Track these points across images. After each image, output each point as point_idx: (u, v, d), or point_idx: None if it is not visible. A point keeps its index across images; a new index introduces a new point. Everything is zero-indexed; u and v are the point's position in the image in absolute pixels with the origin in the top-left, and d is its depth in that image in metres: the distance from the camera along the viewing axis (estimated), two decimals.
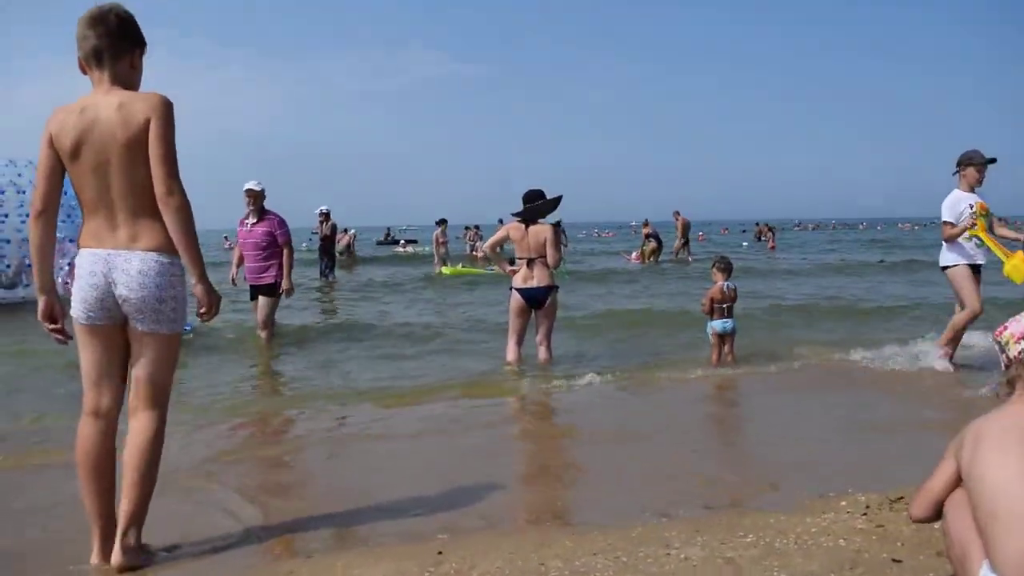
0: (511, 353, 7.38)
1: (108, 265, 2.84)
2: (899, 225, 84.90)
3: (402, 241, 41.01)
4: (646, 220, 25.89)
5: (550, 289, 7.21)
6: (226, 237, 44.24)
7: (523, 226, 7.24)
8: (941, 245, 6.93)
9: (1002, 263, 6.59)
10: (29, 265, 14.24)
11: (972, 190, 6.82)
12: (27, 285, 14.41)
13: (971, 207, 6.66)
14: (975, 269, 6.75)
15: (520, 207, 7.28)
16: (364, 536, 3.47)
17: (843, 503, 3.54)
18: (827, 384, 6.78)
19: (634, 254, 25.37)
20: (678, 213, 25.48)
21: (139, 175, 2.83)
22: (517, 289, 7.22)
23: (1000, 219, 8.62)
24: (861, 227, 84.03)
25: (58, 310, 2.95)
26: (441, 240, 21.38)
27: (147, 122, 2.79)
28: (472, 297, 15.07)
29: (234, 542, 3.46)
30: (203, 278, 2.97)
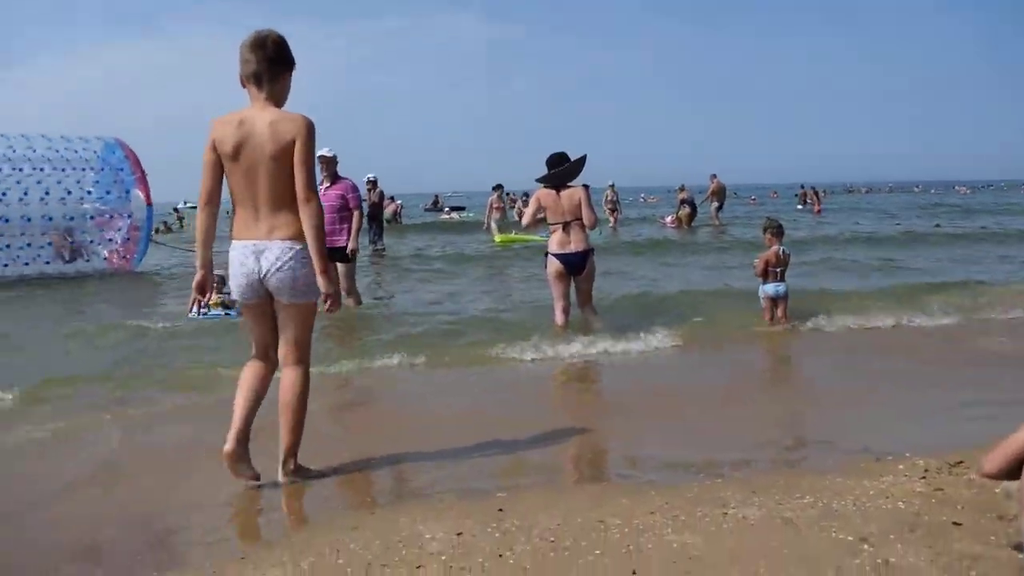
0: (559, 317, 7.34)
1: (254, 254, 3.43)
2: (955, 188, 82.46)
3: (446, 208, 40.81)
4: (682, 185, 25.57)
5: (588, 252, 7.15)
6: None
7: (553, 191, 7.15)
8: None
9: None
10: (74, 242, 14.60)
11: None
12: (87, 260, 14.86)
13: None
14: None
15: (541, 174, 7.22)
16: (424, 491, 3.58)
17: (900, 466, 3.53)
18: (880, 347, 6.72)
19: (669, 218, 25.16)
20: (714, 176, 25.08)
21: (280, 181, 3.39)
22: (555, 255, 7.14)
23: None
24: (916, 190, 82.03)
25: (209, 284, 3.59)
26: (496, 206, 20.87)
27: (293, 141, 3.36)
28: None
29: (294, 499, 3.60)
30: (325, 272, 3.47)
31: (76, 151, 14.74)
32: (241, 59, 3.44)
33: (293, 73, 3.55)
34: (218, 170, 3.46)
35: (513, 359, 6.35)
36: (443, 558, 2.71)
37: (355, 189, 9.01)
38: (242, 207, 3.47)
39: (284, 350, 3.58)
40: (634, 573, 2.56)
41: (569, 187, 7.18)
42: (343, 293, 9.02)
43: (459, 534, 2.89)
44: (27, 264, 14.04)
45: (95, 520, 3.48)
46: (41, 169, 14.20)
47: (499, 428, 4.52)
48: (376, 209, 18.81)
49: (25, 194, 13.88)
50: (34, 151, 14.27)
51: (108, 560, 3.09)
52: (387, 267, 15.13)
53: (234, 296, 3.62)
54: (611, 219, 24.03)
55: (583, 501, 3.24)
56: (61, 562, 3.05)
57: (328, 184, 8.86)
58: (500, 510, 3.14)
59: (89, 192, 14.80)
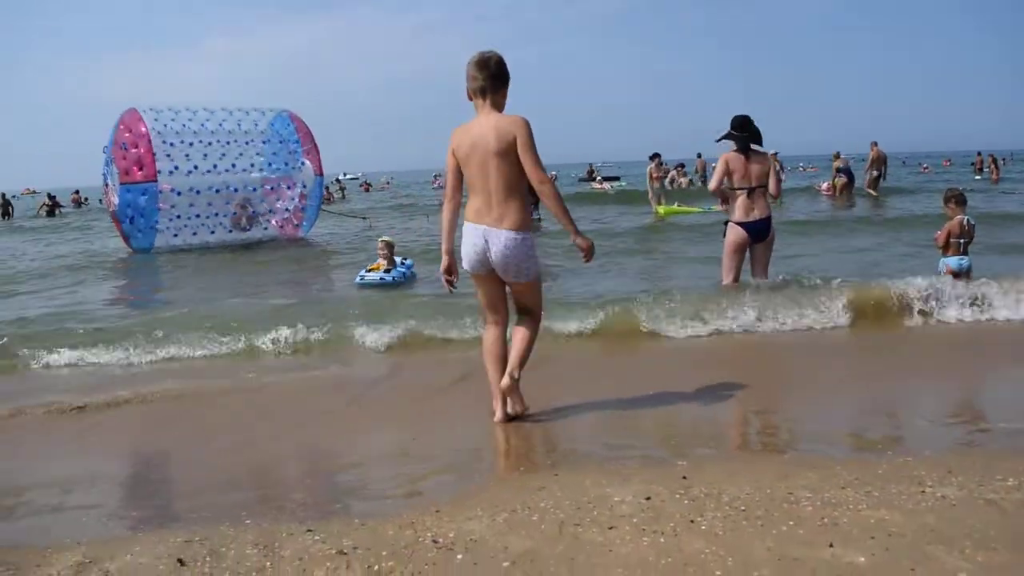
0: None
1: (484, 237, 3.98)
2: None
3: (598, 178, 40.52)
4: (837, 153, 24.33)
5: (770, 219, 6.99)
6: (436, 176, 46.09)
7: (742, 156, 6.92)
8: None
9: None
10: (254, 212, 15.42)
11: None
12: (266, 228, 15.70)
13: None
14: None
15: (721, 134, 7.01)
16: (603, 457, 3.65)
17: None
18: None
19: (825, 185, 24.08)
20: (875, 144, 23.71)
21: (506, 174, 3.93)
22: (739, 223, 6.96)
23: None
24: None
25: (455, 266, 4.21)
26: (655, 175, 20.51)
27: (515, 138, 3.89)
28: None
29: (479, 458, 3.76)
30: (577, 233, 4.07)
31: (255, 123, 15.58)
32: (468, 76, 4.03)
33: (509, 86, 4.10)
34: (458, 172, 4.08)
35: (676, 333, 6.27)
36: (634, 520, 2.77)
37: None
38: (475, 197, 4.05)
39: (520, 309, 4.30)
40: (831, 546, 2.54)
41: (757, 152, 6.98)
42: None
43: (647, 498, 2.94)
44: (212, 232, 15.01)
45: (309, 459, 3.83)
46: (224, 142, 15.06)
47: (669, 399, 4.53)
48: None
49: (214, 167, 14.77)
50: (220, 124, 15.17)
51: (313, 498, 3.33)
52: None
53: (465, 267, 4.16)
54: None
55: (768, 473, 3.22)
56: (267, 487, 3.32)
57: None
58: (684, 478, 3.17)
59: (263, 163, 15.58)
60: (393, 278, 9.34)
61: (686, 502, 2.91)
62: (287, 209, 15.88)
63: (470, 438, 4.13)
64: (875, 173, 23.75)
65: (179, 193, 14.46)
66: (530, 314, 4.26)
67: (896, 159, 23.32)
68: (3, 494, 3.67)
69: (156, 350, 6.28)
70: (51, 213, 36.66)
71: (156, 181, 14.24)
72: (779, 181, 6.96)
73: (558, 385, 4.92)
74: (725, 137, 7.01)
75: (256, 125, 15.56)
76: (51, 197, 40.11)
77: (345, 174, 34.02)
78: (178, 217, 14.61)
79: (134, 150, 14.31)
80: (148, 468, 4.22)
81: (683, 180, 28.25)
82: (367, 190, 47.38)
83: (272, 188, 15.65)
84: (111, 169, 14.78)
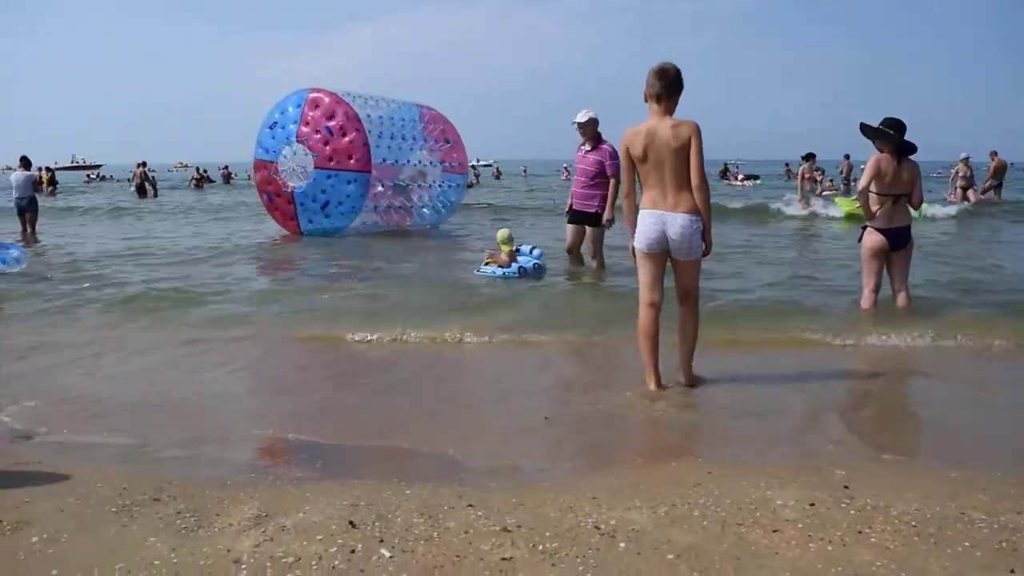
0: (868, 298, 6.86)
1: (662, 221, 4.59)
2: None
3: (740, 176, 39.59)
4: (965, 158, 23.09)
5: (910, 229, 6.72)
6: (565, 168, 46.34)
7: (895, 161, 6.61)
8: None
9: None
10: (401, 201, 15.38)
11: None
12: (411, 217, 15.74)
13: None
14: None
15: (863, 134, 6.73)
16: (753, 458, 3.60)
17: None
18: None
19: (950, 193, 22.91)
20: (995, 153, 22.56)
21: (679, 169, 4.50)
22: (880, 229, 6.69)
23: None
24: None
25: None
26: (807, 176, 20.10)
27: (689, 139, 4.46)
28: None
29: (624, 446, 3.79)
30: (709, 233, 4.65)
31: (403, 117, 15.33)
32: (648, 82, 4.57)
33: (681, 94, 4.63)
34: (632, 168, 4.69)
35: (823, 342, 6.07)
36: (799, 526, 2.73)
37: (614, 156, 8.46)
38: (650, 189, 4.64)
39: (682, 293, 4.79)
40: (1012, 572, 2.44)
41: (909, 159, 6.68)
42: (589, 256, 9.10)
43: (811, 504, 2.90)
44: (376, 222, 14.90)
45: (458, 432, 3.97)
46: (399, 134, 14.84)
47: (817, 407, 4.43)
48: None
49: (383, 160, 14.39)
50: (394, 114, 14.95)
51: (466, 474, 3.43)
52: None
53: (639, 246, 4.69)
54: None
55: (937, 489, 3.10)
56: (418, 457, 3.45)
57: (589, 148, 8.70)
58: (846, 487, 3.10)
59: (412, 155, 15.40)
60: (504, 274, 8.88)
61: (852, 512, 2.85)
62: (427, 199, 15.83)
63: (615, 426, 4.16)
64: (994, 182, 22.88)
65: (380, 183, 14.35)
66: (690, 299, 4.78)
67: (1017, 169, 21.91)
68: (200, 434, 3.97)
69: None
70: (199, 186, 39.08)
71: (370, 172, 13.88)
72: (921, 189, 6.65)
73: (710, 380, 4.89)
74: (876, 135, 6.67)
75: (405, 118, 15.35)
76: (199, 171, 42.70)
77: (479, 160, 34.66)
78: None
79: (343, 139, 13.74)
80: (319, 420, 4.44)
81: (826, 182, 27.62)
82: (498, 177, 48.28)
83: (418, 178, 15.61)
84: (295, 149, 14.05)
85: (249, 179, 28.07)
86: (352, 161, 13.76)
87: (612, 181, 8.58)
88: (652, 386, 4.75)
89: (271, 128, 14.45)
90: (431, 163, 15.81)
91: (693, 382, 4.83)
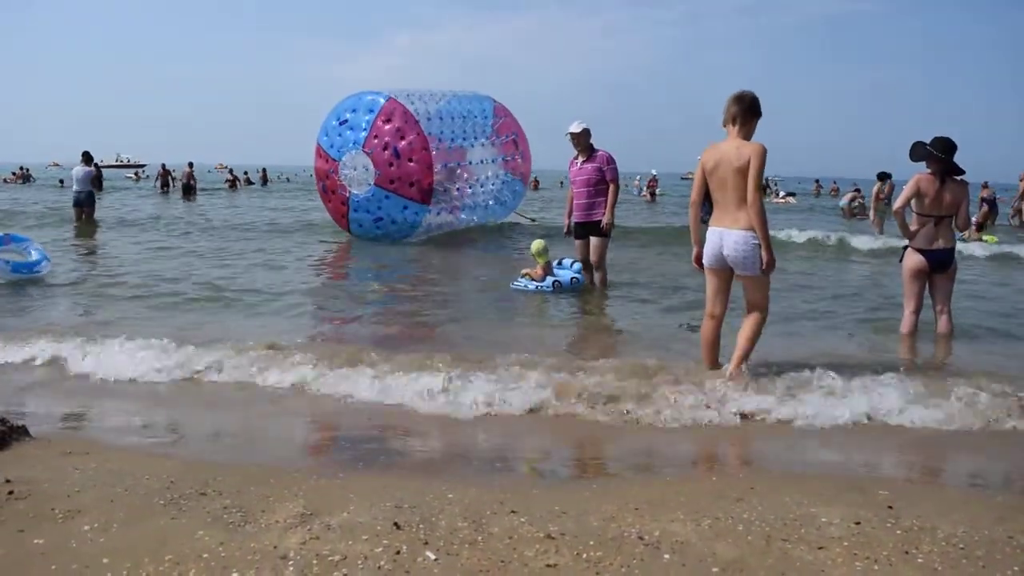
0: (908, 321, 6.75)
1: (721, 237, 4.94)
2: None
3: (782, 193, 39.20)
4: (985, 183, 22.65)
5: (953, 251, 6.65)
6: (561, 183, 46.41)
7: (937, 181, 6.52)
8: None
9: None
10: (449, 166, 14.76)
11: None
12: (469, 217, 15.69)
13: None
14: None
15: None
16: (796, 474, 3.59)
17: None
18: None
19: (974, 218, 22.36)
20: None
21: (740, 187, 4.81)
22: (920, 250, 6.62)
23: None
24: None
25: (701, 256, 5.11)
26: (881, 196, 19.67)
27: (749, 159, 4.75)
28: None
29: (662, 457, 3.78)
30: (769, 249, 4.85)
31: (472, 109, 15.34)
32: (726, 107, 4.91)
33: (759, 120, 4.96)
34: (703, 182, 5.00)
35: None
36: (845, 544, 2.72)
37: (611, 161, 8.53)
38: (716, 207, 4.98)
39: (748, 307, 5.11)
40: None
41: (955, 180, 6.57)
42: (592, 266, 8.85)
43: (857, 523, 2.88)
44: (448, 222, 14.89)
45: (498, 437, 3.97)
46: (462, 132, 14.82)
47: (864, 426, 4.40)
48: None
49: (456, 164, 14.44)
50: (455, 111, 14.83)
51: (508, 479, 3.44)
52: None
53: (706, 262, 5.06)
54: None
55: (983, 513, 3.06)
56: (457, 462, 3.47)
57: (584, 158, 8.61)
58: (890, 507, 3.07)
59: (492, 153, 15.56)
60: (538, 287, 8.79)
61: (898, 532, 2.82)
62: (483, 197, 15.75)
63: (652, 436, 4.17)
64: (1022, 205, 22.45)
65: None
66: (757, 309, 5.05)
67: None
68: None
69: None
70: (233, 186, 40.04)
71: (430, 206, 13.85)
72: (968, 213, 6.56)
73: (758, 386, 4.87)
74: (922, 156, 6.59)
75: (490, 111, 15.44)
76: (233, 173, 43.73)
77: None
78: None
79: (410, 162, 13.53)
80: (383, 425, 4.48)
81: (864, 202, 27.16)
82: (536, 188, 48.49)
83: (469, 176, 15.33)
84: (357, 155, 13.71)
85: (288, 181, 28.29)
86: (412, 189, 13.61)
87: (612, 186, 8.56)
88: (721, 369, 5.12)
89: (341, 123, 13.96)
90: (492, 159, 15.76)
91: (733, 377, 4.94)
